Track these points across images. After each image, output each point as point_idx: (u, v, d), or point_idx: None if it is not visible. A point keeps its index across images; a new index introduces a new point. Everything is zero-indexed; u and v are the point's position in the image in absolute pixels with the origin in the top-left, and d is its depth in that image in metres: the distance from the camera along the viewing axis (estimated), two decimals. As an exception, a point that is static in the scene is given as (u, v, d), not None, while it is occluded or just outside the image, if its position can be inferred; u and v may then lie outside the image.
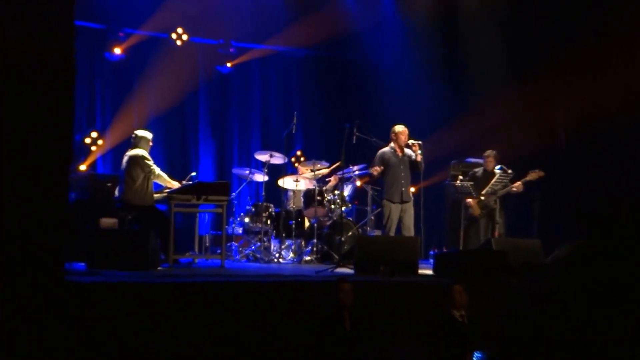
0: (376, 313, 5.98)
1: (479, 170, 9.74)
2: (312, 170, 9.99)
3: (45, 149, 5.19)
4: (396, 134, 8.87)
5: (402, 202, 8.72)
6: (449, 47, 11.80)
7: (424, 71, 11.96)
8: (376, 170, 8.80)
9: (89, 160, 10.71)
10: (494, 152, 9.66)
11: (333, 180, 10.13)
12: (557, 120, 10.78)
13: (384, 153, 8.89)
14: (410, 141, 8.79)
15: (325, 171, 10.05)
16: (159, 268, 7.26)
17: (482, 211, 9.48)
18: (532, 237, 9.52)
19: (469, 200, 9.47)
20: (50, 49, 5.21)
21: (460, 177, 9.92)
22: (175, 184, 8.02)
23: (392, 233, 8.62)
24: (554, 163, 10.35)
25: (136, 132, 8.14)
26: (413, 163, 8.81)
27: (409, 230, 8.67)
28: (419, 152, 8.74)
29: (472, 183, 9.49)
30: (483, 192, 9.44)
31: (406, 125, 8.96)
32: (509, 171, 9.50)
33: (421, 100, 11.93)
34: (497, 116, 10.99)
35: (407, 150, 8.88)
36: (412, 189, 9.01)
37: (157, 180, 7.93)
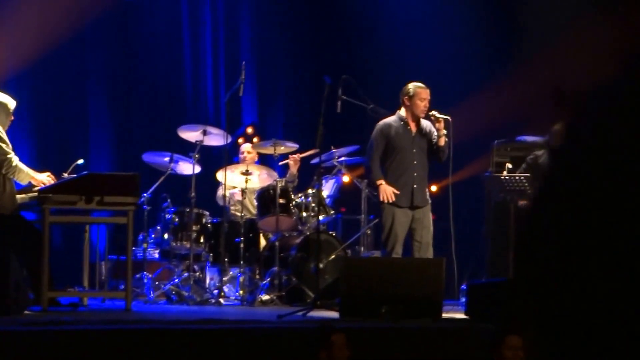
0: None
1: (542, 155, 9.89)
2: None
3: None
4: (411, 97, 8.79)
5: (413, 207, 8.81)
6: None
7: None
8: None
9: None
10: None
11: (292, 162, 10.28)
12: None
13: (388, 126, 8.86)
14: (434, 113, 8.78)
15: (295, 158, 10.23)
16: (26, 312, 7.39)
17: None
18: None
19: (525, 202, 9.63)
20: None
21: (509, 165, 9.99)
22: (45, 179, 8.11)
23: (396, 254, 8.74)
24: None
25: None
26: (432, 147, 8.90)
27: (425, 251, 8.79)
28: (444, 132, 8.77)
29: (529, 175, 9.62)
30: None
31: (428, 86, 8.92)
32: None
33: (448, 45, 12.05)
34: (569, 69, 11.08)
35: (425, 125, 8.91)
36: (433, 188, 9.23)
37: (15, 177, 8.04)
